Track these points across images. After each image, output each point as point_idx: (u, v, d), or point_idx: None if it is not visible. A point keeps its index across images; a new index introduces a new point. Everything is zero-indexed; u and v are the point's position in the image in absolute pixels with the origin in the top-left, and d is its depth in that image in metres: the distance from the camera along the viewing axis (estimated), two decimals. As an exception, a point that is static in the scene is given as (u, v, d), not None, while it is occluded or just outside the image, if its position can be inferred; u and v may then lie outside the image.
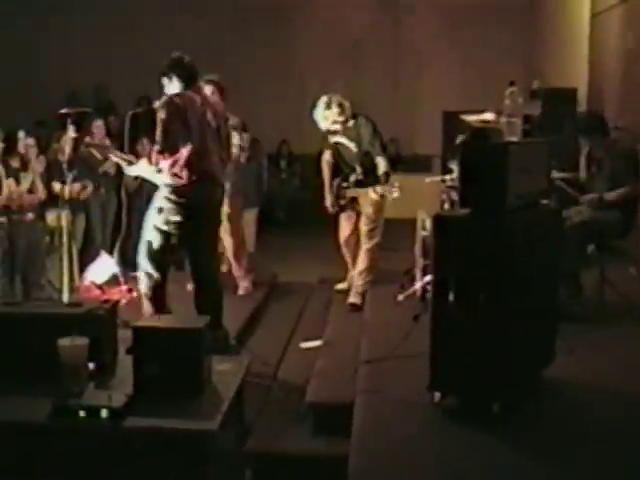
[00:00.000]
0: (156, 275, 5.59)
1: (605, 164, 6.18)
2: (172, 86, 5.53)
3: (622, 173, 6.07)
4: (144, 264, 5.63)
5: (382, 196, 7.10)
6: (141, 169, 5.70)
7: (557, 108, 9.23)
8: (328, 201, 7.57)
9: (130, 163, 5.84)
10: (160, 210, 5.49)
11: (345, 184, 7.39)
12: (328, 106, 7.21)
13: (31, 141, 7.85)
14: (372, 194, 7.09)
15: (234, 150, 7.64)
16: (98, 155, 7.15)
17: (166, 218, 5.48)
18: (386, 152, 7.36)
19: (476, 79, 12.99)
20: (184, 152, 5.32)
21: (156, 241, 5.54)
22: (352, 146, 7.29)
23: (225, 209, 7.66)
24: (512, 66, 11.91)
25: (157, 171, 5.39)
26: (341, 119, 7.19)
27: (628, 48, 8.73)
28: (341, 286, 7.91)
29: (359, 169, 7.30)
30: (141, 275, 5.69)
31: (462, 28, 13.57)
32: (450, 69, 13.54)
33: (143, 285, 5.63)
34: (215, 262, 5.97)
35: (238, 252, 7.85)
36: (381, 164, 7.18)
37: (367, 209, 7.29)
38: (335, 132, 7.32)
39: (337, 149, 7.44)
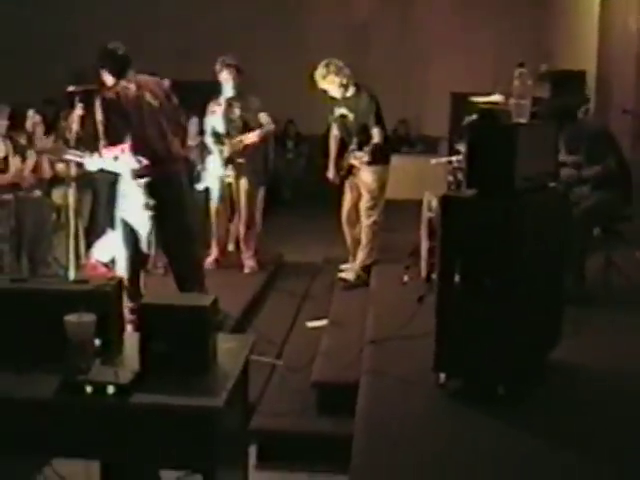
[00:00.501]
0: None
1: (581, 146, 6.21)
2: (106, 78, 5.58)
3: (597, 151, 6.12)
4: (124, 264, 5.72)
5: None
6: (100, 162, 5.75)
7: (566, 90, 9.19)
8: (330, 172, 7.69)
9: (83, 157, 5.92)
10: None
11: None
12: (327, 66, 7.31)
13: (38, 118, 7.86)
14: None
15: (270, 127, 7.70)
16: (54, 158, 7.15)
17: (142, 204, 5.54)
18: (384, 127, 7.38)
19: (485, 61, 12.97)
20: (128, 141, 5.44)
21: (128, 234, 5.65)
22: (351, 116, 7.34)
23: (243, 186, 7.76)
24: (521, 48, 11.84)
25: (115, 159, 5.46)
26: (337, 80, 7.25)
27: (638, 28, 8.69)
28: (346, 266, 7.94)
29: (355, 140, 7.35)
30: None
31: (471, 10, 13.53)
32: (459, 51, 13.49)
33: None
34: (190, 244, 5.87)
35: (249, 231, 7.88)
36: (375, 135, 7.21)
37: (366, 186, 7.34)
38: (334, 99, 7.39)
39: (342, 122, 7.47)
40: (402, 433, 3.92)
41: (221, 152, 7.73)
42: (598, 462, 3.61)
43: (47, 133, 8.00)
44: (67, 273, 6.33)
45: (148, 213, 5.48)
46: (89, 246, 7.38)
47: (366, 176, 7.30)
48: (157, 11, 13.85)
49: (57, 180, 7.52)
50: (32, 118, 7.73)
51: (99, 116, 5.42)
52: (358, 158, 7.20)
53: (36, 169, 7.31)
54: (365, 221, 7.39)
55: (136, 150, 5.43)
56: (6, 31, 13.35)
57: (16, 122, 7.40)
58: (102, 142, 5.48)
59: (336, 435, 4.60)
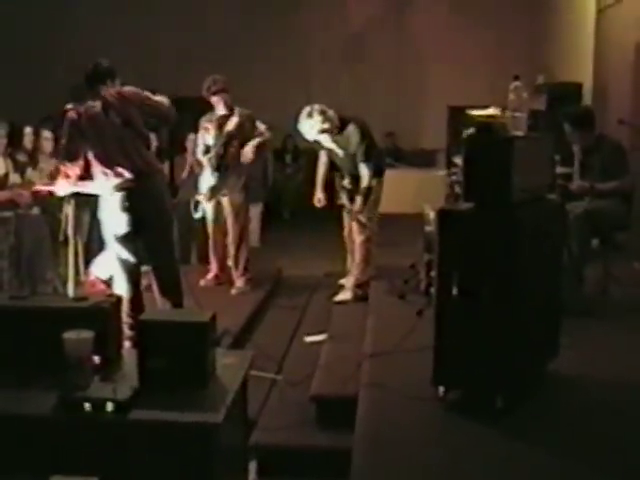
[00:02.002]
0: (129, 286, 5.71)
1: (594, 159, 6.20)
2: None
3: (613, 167, 6.10)
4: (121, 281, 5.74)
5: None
6: (69, 187, 5.79)
7: (562, 103, 9.23)
8: (316, 199, 7.67)
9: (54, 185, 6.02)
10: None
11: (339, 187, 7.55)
12: (310, 115, 7.27)
13: (48, 134, 7.86)
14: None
15: (267, 135, 7.71)
16: (25, 195, 7.21)
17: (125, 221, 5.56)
18: (372, 160, 7.28)
19: (481, 74, 13.01)
20: (89, 159, 5.57)
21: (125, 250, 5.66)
22: (340, 153, 7.34)
23: (233, 201, 7.75)
24: (517, 61, 11.90)
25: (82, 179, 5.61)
26: (326, 126, 7.21)
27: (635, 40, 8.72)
28: (345, 280, 7.95)
29: (347, 178, 7.37)
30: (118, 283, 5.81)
31: (467, 23, 13.57)
32: (455, 64, 13.52)
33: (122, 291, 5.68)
34: (170, 256, 5.89)
35: (239, 249, 7.84)
36: (364, 178, 7.20)
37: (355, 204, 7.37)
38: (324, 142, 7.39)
39: (331, 153, 7.52)
40: (401, 446, 3.92)
41: (211, 164, 7.70)
42: (597, 473, 3.60)
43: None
44: (66, 290, 6.34)
45: (125, 219, 5.50)
46: (88, 263, 7.38)
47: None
48: (157, 27, 13.88)
49: (56, 197, 7.52)
50: (30, 135, 7.73)
51: (62, 133, 5.58)
52: (352, 209, 7.28)
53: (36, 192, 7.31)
54: (358, 238, 7.39)
55: (100, 167, 5.51)
56: (5, 47, 13.39)
57: (15, 139, 7.42)
58: (60, 158, 5.74)
59: (336, 449, 4.58)
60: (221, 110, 7.67)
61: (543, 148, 4.78)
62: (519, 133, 4.55)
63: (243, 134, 7.63)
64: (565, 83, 10.31)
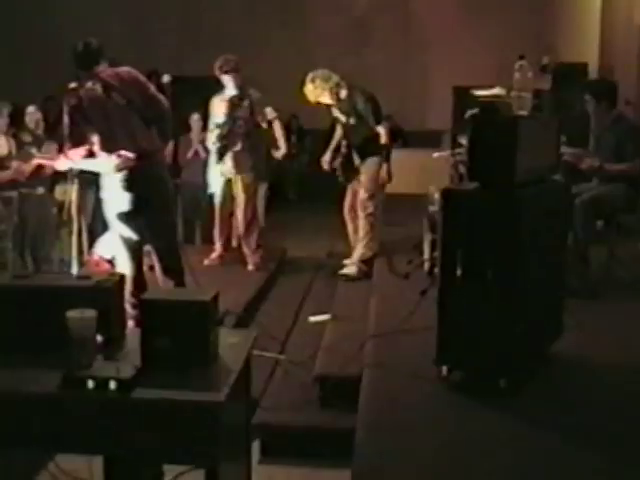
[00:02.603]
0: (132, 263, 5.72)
1: (609, 137, 6.16)
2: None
3: (626, 148, 6.07)
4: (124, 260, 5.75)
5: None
6: (70, 162, 5.78)
7: (567, 83, 9.18)
8: (325, 161, 7.83)
9: (55, 159, 6.01)
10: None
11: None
12: (312, 80, 7.41)
13: (39, 115, 7.84)
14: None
15: (267, 122, 7.72)
16: (25, 166, 7.16)
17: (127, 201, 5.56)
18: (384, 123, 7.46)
19: (486, 54, 12.96)
20: (93, 141, 5.59)
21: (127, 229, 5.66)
22: (343, 119, 7.38)
23: (243, 182, 7.77)
24: (523, 41, 11.82)
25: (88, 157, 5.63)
26: (327, 87, 7.36)
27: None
28: (348, 261, 7.97)
29: (344, 142, 7.45)
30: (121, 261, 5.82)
31: (472, 3, 13.51)
32: (460, 44, 13.48)
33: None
34: (172, 235, 5.97)
35: (250, 228, 7.87)
36: (382, 136, 7.36)
37: (363, 178, 7.48)
38: (329, 106, 7.49)
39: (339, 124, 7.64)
40: (404, 426, 3.93)
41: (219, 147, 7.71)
42: (598, 455, 3.60)
43: (50, 131, 7.98)
44: (70, 269, 6.35)
45: (127, 198, 5.50)
46: (92, 242, 7.39)
47: (365, 172, 7.40)
48: (158, 7, 13.83)
49: (60, 177, 7.51)
50: (32, 114, 7.72)
51: (65, 119, 5.61)
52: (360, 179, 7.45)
53: (38, 167, 7.30)
54: (361, 213, 7.48)
55: (105, 149, 5.50)
56: (7, 29, 13.36)
57: (17, 120, 7.40)
58: (66, 144, 5.70)
59: (339, 429, 4.60)
60: (231, 89, 7.67)
61: (548, 128, 4.76)
62: (524, 113, 4.52)
63: (253, 118, 7.65)
64: (571, 63, 10.23)
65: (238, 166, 7.72)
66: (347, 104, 7.38)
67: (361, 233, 7.55)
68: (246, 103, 7.62)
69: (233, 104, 7.64)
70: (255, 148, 7.85)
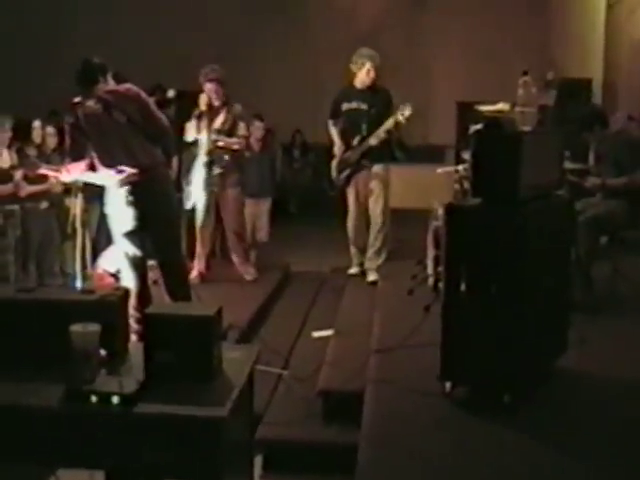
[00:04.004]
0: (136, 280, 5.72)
1: (610, 154, 6.18)
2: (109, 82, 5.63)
3: (627, 162, 6.09)
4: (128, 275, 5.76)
5: (397, 124, 7.49)
6: (74, 175, 5.80)
7: (572, 98, 9.20)
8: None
9: (59, 172, 6.05)
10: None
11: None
12: (373, 59, 7.71)
13: (51, 130, 7.85)
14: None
15: (238, 140, 7.68)
16: (30, 174, 7.16)
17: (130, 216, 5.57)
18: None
19: (491, 70, 12.96)
20: (92, 157, 5.58)
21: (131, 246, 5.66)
22: (364, 107, 7.59)
23: (230, 196, 7.76)
24: (527, 56, 11.84)
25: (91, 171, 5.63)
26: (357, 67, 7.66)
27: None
28: (354, 270, 8.03)
29: (364, 126, 7.55)
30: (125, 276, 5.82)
31: (477, 18, 13.53)
32: (464, 60, 13.50)
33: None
34: (177, 251, 5.93)
35: (239, 241, 7.86)
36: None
37: (375, 183, 7.64)
38: (345, 93, 7.74)
39: (351, 115, 7.70)
40: (408, 442, 3.91)
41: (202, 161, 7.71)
42: (603, 471, 3.59)
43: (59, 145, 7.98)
44: (74, 283, 6.35)
45: (130, 214, 5.50)
46: (96, 256, 7.38)
47: (377, 167, 7.61)
48: (163, 23, 13.87)
49: (65, 191, 7.52)
50: (39, 129, 7.73)
51: (66, 135, 5.76)
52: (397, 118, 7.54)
53: (41, 177, 7.28)
54: (377, 222, 7.67)
55: (104, 164, 5.52)
56: (11, 42, 13.41)
57: (20, 133, 7.40)
58: (67, 159, 5.81)
59: (342, 444, 4.59)
60: (213, 99, 7.62)
61: (552, 143, 4.76)
62: (527, 128, 4.53)
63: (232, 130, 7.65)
64: (575, 79, 10.27)
65: (225, 180, 7.69)
66: (369, 95, 7.62)
67: (377, 245, 7.71)
68: (220, 118, 7.60)
69: (210, 118, 7.62)
70: (241, 162, 7.84)
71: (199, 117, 7.62)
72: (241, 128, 7.69)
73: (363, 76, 7.63)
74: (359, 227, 7.93)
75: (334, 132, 7.83)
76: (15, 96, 10.71)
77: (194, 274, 7.83)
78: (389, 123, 7.47)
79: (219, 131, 7.59)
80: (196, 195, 7.81)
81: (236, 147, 7.69)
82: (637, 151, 6.22)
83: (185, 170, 8.85)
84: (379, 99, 7.57)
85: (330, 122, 7.87)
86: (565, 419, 4.13)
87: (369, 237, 7.79)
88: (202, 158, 7.65)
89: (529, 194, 4.16)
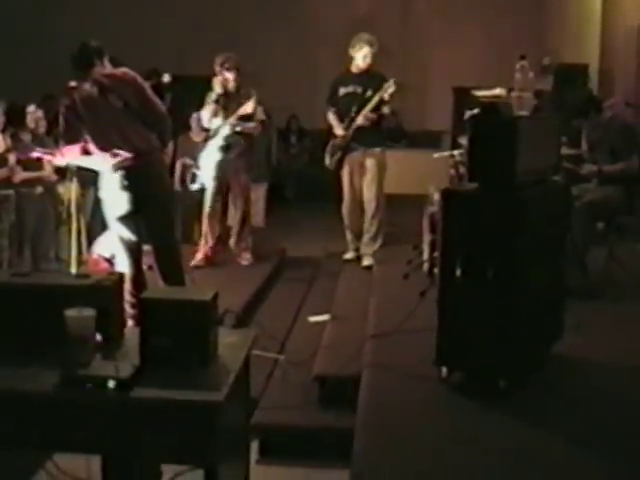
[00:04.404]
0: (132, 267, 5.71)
1: (605, 140, 6.18)
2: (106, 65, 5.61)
3: (621, 148, 6.09)
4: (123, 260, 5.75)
5: (382, 101, 7.56)
6: (68, 158, 5.79)
7: (568, 84, 9.18)
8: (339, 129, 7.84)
9: (54, 155, 6.02)
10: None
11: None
12: (371, 44, 7.70)
13: (40, 113, 7.82)
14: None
15: (255, 125, 7.68)
16: (24, 158, 7.13)
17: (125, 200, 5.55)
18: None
19: (487, 55, 12.94)
20: (86, 141, 5.53)
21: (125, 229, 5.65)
22: (359, 90, 7.62)
23: (240, 181, 7.77)
24: (523, 41, 11.81)
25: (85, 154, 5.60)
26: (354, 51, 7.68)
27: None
28: (349, 256, 8.05)
29: (354, 108, 7.61)
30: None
31: (474, 3, 13.49)
32: (461, 45, 13.46)
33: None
34: (170, 232, 5.93)
35: (244, 226, 7.88)
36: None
37: (369, 167, 7.70)
38: (344, 78, 7.77)
39: (347, 101, 7.73)
40: (404, 427, 3.92)
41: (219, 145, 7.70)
42: (598, 456, 3.60)
43: (49, 130, 7.96)
44: (69, 268, 6.34)
45: (125, 198, 5.49)
46: (91, 241, 7.38)
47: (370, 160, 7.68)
48: (159, 6, 13.81)
49: (61, 175, 7.50)
50: (33, 113, 7.70)
51: (60, 119, 5.59)
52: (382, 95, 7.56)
53: (36, 160, 7.25)
54: (372, 206, 7.72)
55: (98, 148, 5.49)
56: (6, 26, 13.34)
57: (14, 118, 7.37)
58: (60, 142, 5.72)
59: (338, 429, 4.60)
60: (230, 86, 7.64)
61: (549, 129, 4.75)
62: (524, 113, 4.51)
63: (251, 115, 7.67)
64: (571, 64, 10.23)
65: (237, 164, 7.71)
66: (366, 79, 7.67)
67: (372, 231, 7.75)
68: (250, 104, 7.61)
69: (225, 104, 7.62)
70: (252, 148, 7.86)
71: (217, 102, 7.63)
72: (259, 112, 7.70)
73: (359, 61, 7.63)
74: (354, 212, 7.95)
75: (332, 117, 7.82)
76: (9, 81, 10.65)
77: (199, 257, 7.89)
78: (374, 101, 7.48)
79: (241, 117, 7.60)
80: (206, 178, 7.83)
81: (253, 132, 7.75)
82: (632, 137, 6.23)
83: (181, 154, 8.88)
84: (373, 83, 7.57)
85: (328, 107, 7.86)
86: (560, 404, 4.14)
87: (364, 222, 7.81)
88: (218, 142, 7.66)
89: (526, 179, 4.16)
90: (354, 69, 7.72)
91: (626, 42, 9.25)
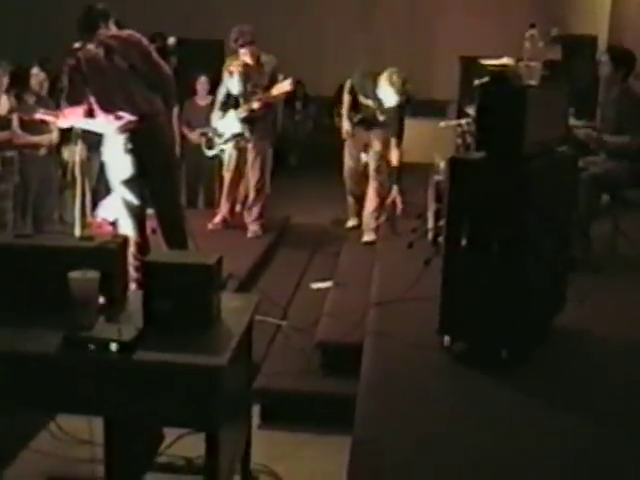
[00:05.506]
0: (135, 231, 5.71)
1: (613, 110, 6.11)
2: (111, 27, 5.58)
3: (628, 121, 5.99)
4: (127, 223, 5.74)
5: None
6: (71, 120, 5.76)
7: (576, 55, 9.11)
8: (345, 124, 7.85)
9: (57, 117, 6.01)
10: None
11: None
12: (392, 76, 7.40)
13: (43, 76, 7.76)
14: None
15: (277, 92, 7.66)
16: (27, 118, 7.08)
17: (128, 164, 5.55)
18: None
19: (494, 24, 12.86)
20: (90, 102, 5.52)
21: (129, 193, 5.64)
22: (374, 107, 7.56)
23: (258, 148, 7.76)
24: (531, 12, 11.73)
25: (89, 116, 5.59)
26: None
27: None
28: (351, 223, 8.06)
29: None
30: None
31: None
32: (468, 14, 13.37)
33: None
34: (173, 195, 5.97)
35: (258, 196, 7.87)
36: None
37: (376, 144, 7.57)
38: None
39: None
40: (406, 395, 3.92)
41: (237, 113, 7.67)
42: (600, 427, 3.60)
43: (50, 92, 7.90)
44: (73, 231, 6.33)
45: (129, 162, 5.46)
46: (95, 204, 7.37)
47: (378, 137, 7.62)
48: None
49: (66, 138, 7.46)
50: (37, 75, 7.64)
51: (63, 79, 5.63)
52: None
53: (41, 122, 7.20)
54: (374, 181, 7.68)
55: (103, 110, 5.47)
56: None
57: (19, 80, 7.32)
58: (63, 104, 5.72)
59: (340, 395, 4.61)
60: (246, 59, 7.60)
61: (557, 99, 4.71)
62: (533, 83, 4.48)
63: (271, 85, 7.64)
64: (580, 36, 10.16)
65: (253, 134, 7.70)
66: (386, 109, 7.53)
67: (371, 205, 7.67)
68: (264, 71, 7.58)
69: (245, 72, 7.58)
70: (270, 116, 7.85)
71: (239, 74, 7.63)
72: (286, 84, 7.62)
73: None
74: (355, 173, 7.94)
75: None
76: (13, 43, 10.59)
77: (217, 220, 8.02)
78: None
79: (250, 84, 7.58)
80: (222, 144, 7.83)
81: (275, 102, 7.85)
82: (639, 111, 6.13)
83: (186, 118, 8.85)
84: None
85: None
86: (562, 375, 4.14)
87: (367, 192, 7.77)
88: (240, 114, 7.65)
89: (533, 150, 4.12)
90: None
91: (637, 14, 9.17)
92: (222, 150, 7.97)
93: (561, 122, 4.73)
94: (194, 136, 8.88)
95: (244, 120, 7.62)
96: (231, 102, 7.74)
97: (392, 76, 7.24)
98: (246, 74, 7.58)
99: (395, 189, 7.55)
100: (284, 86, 7.53)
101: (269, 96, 7.57)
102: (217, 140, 7.90)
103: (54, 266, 3.17)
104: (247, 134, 7.68)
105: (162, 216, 5.70)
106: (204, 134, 8.17)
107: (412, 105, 7.53)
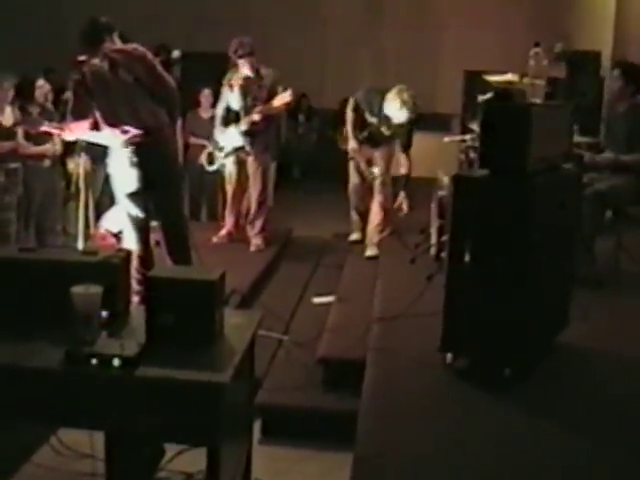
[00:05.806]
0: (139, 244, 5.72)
1: (622, 126, 6.11)
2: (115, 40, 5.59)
3: (639, 136, 5.99)
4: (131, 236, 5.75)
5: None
6: (77, 134, 5.77)
7: (580, 71, 9.13)
8: (352, 142, 7.72)
9: (62, 130, 6.01)
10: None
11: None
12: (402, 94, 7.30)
13: (47, 87, 7.78)
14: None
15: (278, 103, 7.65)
16: (32, 131, 7.09)
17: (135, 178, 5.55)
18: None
19: (498, 40, 12.88)
20: (95, 116, 5.53)
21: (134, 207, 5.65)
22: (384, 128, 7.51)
23: (259, 161, 7.76)
24: (535, 27, 11.76)
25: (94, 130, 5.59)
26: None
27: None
28: (355, 237, 8.05)
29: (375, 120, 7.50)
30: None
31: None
32: (472, 29, 13.39)
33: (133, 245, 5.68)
34: (177, 209, 5.96)
35: (260, 209, 7.87)
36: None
37: (380, 161, 7.60)
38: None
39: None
40: (407, 411, 3.91)
41: (238, 126, 7.68)
42: (602, 445, 3.58)
43: (55, 103, 7.91)
44: (76, 243, 6.33)
45: (134, 175, 5.47)
46: (99, 216, 7.37)
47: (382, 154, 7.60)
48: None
49: (70, 150, 7.47)
50: (42, 88, 7.66)
51: (68, 93, 5.63)
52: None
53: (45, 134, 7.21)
54: (379, 196, 7.66)
55: (107, 124, 5.48)
56: (9, 1, 13.31)
57: (24, 92, 7.33)
58: (68, 117, 5.68)
59: (341, 411, 4.60)
60: (247, 72, 7.60)
61: (561, 116, 4.71)
62: (537, 100, 4.48)
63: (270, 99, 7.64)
64: (584, 51, 10.18)
65: (254, 147, 7.70)
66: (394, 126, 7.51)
67: (376, 220, 7.67)
68: (263, 84, 7.58)
69: (245, 86, 7.58)
70: (271, 129, 7.85)
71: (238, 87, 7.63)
72: (287, 95, 7.61)
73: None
74: (360, 189, 7.95)
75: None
76: (17, 55, 10.61)
77: (222, 233, 8.04)
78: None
79: (249, 98, 7.59)
80: (223, 159, 7.84)
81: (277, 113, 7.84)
82: None
83: (189, 131, 8.87)
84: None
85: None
86: (564, 393, 4.12)
87: (371, 209, 7.76)
88: (241, 127, 7.64)
89: (537, 167, 4.12)
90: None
91: (640, 29, 9.19)
92: (223, 165, 7.98)
93: (565, 139, 4.73)
94: (200, 142, 8.88)
95: (245, 133, 7.63)
96: (231, 117, 7.74)
97: (402, 94, 7.17)
98: (246, 87, 7.59)
99: (402, 194, 7.53)
100: (285, 97, 7.54)
101: (270, 107, 7.57)
102: (218, 154, 7.90)
103: (57, 280, 3.17)
104: (248, 147, 7.68)
105: (166, 229, 5.70)
106: (204, 146, 8.19)
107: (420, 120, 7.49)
